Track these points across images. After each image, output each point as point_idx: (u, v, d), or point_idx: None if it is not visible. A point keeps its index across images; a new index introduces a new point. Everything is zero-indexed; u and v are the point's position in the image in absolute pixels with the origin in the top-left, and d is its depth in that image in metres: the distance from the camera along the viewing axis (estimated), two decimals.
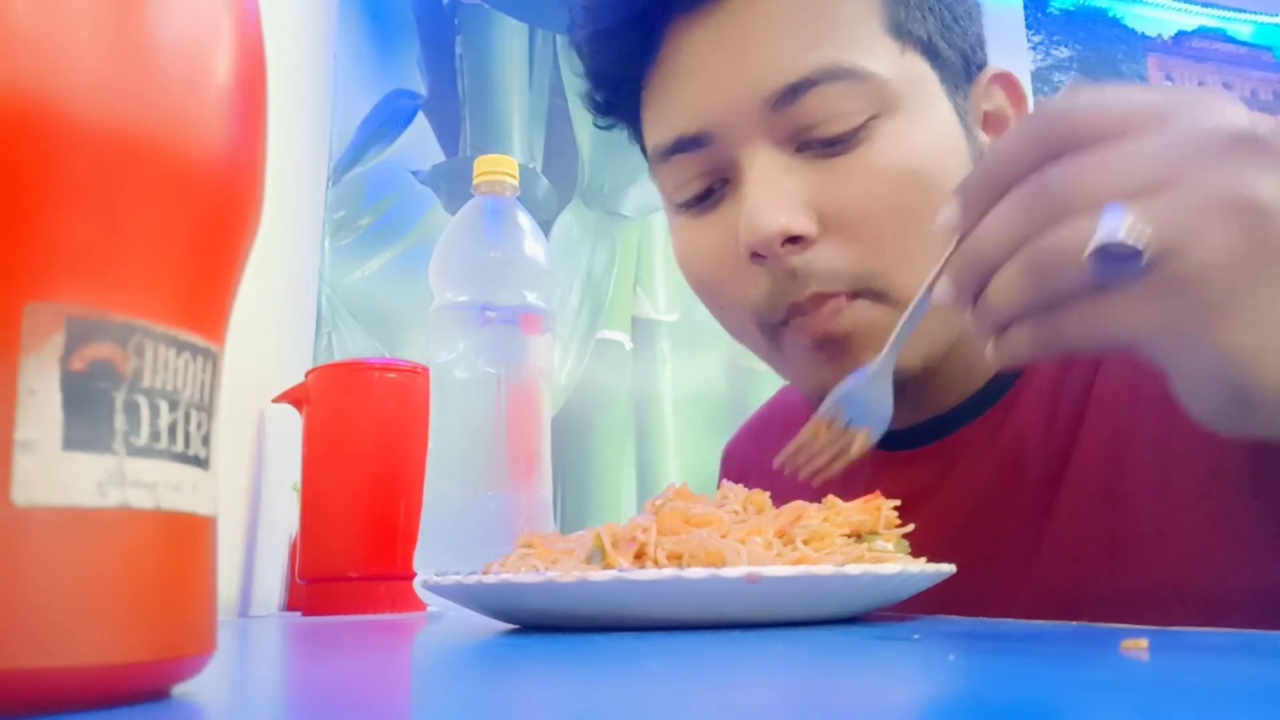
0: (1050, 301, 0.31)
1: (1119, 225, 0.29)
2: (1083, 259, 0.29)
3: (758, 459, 0.72)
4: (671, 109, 0.51)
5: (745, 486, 0.42)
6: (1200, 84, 2.39)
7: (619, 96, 0.56)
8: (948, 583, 0.45)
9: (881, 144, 0.48)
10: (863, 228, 0.47)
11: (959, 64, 0.52)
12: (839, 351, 0.49)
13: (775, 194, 0.47)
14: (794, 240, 0.47)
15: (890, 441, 0.56)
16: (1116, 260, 0.29)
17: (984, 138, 0.54)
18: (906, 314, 0.40)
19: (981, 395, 0.55)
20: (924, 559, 0.40)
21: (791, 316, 0.49)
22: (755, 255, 0.48)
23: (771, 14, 0.48)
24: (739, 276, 0.50)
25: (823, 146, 0.48)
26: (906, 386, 0.49)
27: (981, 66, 0.55)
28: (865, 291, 0.48)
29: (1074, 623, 0.36)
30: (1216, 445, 0.39)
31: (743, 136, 0.49)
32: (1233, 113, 0.30)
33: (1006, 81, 0.56)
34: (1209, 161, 0.29)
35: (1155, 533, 0.47)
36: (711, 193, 0.52)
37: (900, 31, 0.49)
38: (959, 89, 0.52)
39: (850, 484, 0.59)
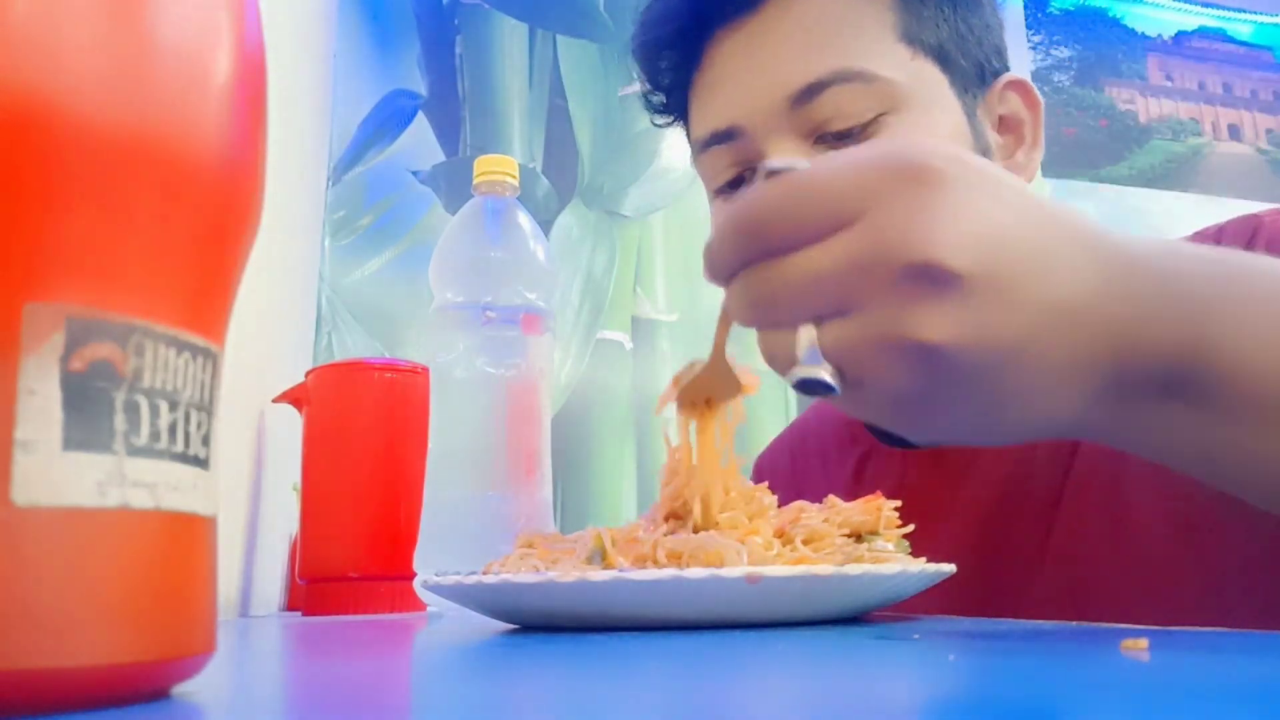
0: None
1: (812, 360, 0.30)
2: (790, 383, 0.30)
3: (788, 470, 0.74)
4: (709, 107, 0.58)
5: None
6: (1200, 84, 2.39)
7: (671, 98, 0.63)
8: (967, 579, 0.46)
9: (889, 136, 0.53)
10: None
11: (972, 70, 0.57)
12: None
13: None
14: None
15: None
16: (808, 385, 0.30)
17: (996, 138, 0.59)
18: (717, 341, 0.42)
19: None
20: (924, 558, 0.40)
21: None
22: None
23: (795, 26, 0.55)
24: None
25: (836, 139, 0.54)
26: None
27: (998, 74, 0.60)
28: None
29: (1074, 622, 0.36)
30: None
31: (768, 131, 0.55)
32: (923, 218, 0.29)
33: (1021, 88, 0.61)
34: (884, 292, 0.29)
35: (1155, 537, 0.50)
36: (743, 180, 0.58)
37: (912, 39, 0.55)
38: (970, 92, 0.57)
39: (881, 482, 0.61)
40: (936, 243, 0.28)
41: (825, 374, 0.30)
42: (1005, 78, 0.60)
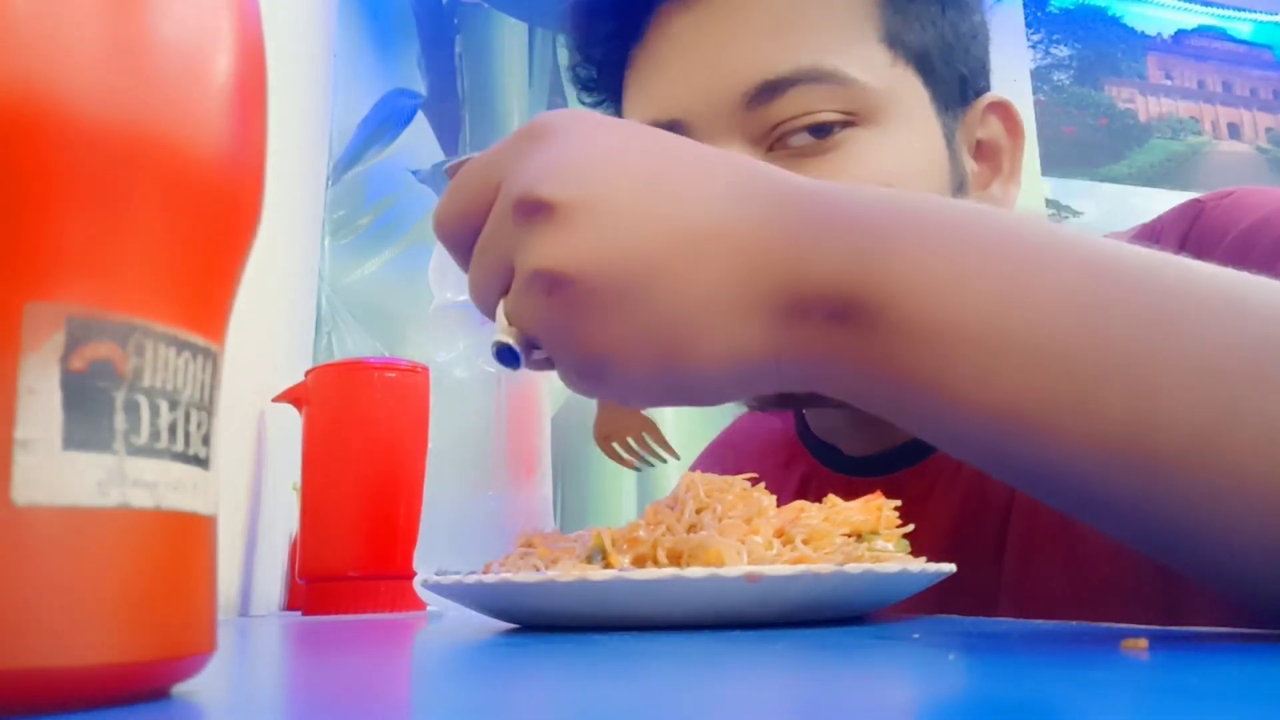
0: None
1: (498, 328, 0.32)
2: (493, 362, 0.31)
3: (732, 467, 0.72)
4: (649, 94, 0.51)
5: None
6: (1200, 83, 2.39)
7: (603, 73, 0.55)
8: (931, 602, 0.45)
9: (854, 153, 0.47)
10: None
11: (954, 85, 0.51)
12: None
13: None
14: None
15: (869, 466, 0.57)
16: (504, 356, 0.32)
17: (973, 165, 0.53)
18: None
19: None
20: (923, 558, 0.40)
21: None
22: None
23: (759, 9, 0.47)
24: None
25: (795, 147, 0.47)
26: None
27: (980, 92, 0.54)
28: None
29: (1074, 622, 0.36)
30: None
31: (715, 130, 0.48)
32: (521, 164, 0.31)
33: (1003, 111, 0.54)
34: (504, 236, 0.31)
35: (1106, 553, 0.47)
36: None
37: (894, 41, 0.48)
38: (950, 110, 0.51)
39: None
40: (531, 177, 0.30)
41: (508, 337, 0.31)
42: (987, 98, 0.54)
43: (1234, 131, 2.39)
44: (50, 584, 0.15)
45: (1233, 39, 2.46)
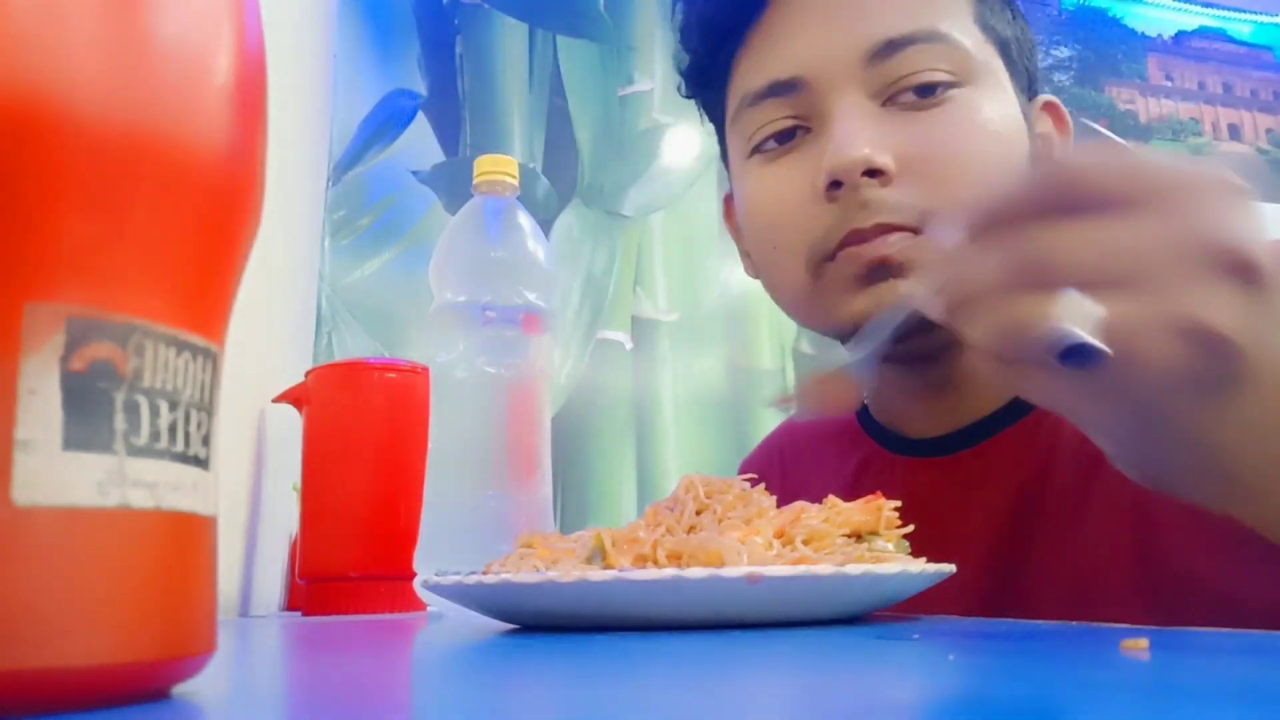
0: (1011, 359, 0.33)
1: (1084, 324, 0.30)
2: (1049, 347, 0.30)
3: (779, 474, 0.73)
4: (771, 56, 0.55)
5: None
6: (1200, 84, 2.39)
7: (718, 52, 0.60)
8: (980, 584, 0.47)
9: (960, 107, 0.52)
10: (935, 174, 0.51)
11: (1024, 76, 0.58)
12: (883, 278, 0.52)
13: (863, 130, 0.51)
14: (873, 174, 0.51)
15: (929, 448, 0.60)
16: (1075, 351, 0.30)
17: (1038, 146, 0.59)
18: (893, 311, 0.43)
19: (1017, 401, 0.57)
20: (924, 558, 0.40)
21: (846, 245, 0.52)
22: (833, 185, 0.52)
23: None
24: (805, 215, 0.54)
25: (907, 102, 0.52)
26: (945, 391, 0.53)
27: (1035, 87, 0.60)
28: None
29: (1074, 622, 0.36)
30: None
31: (836, 84, 0.53)
32: (1238, 219, 0.30)
33: (1055, 111, 0.61)
34: (1185, 274, 0.30)
35: (1181, 542, 0.49)
36: (791, 137, 0.55)
37: (984, 26, 0.55)
38: (1023, 94, 0.57)
39: (886, 488, 0.61)
40: (1250, 240, 0.29)
41: (1098, 340, 0.29)
42: (1042, 98, 0.60)
43: (1234, 132, 2.39)
44: (50, 584, 0.15)
45: (1233, 40, 2.46)
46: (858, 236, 0.52)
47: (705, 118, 0.66)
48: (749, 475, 0.43)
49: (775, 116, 0.56)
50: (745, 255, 0.66)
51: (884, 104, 0.53)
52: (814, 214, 0.53)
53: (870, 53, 0.52)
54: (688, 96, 0.65)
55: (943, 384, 0.57)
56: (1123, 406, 0.33)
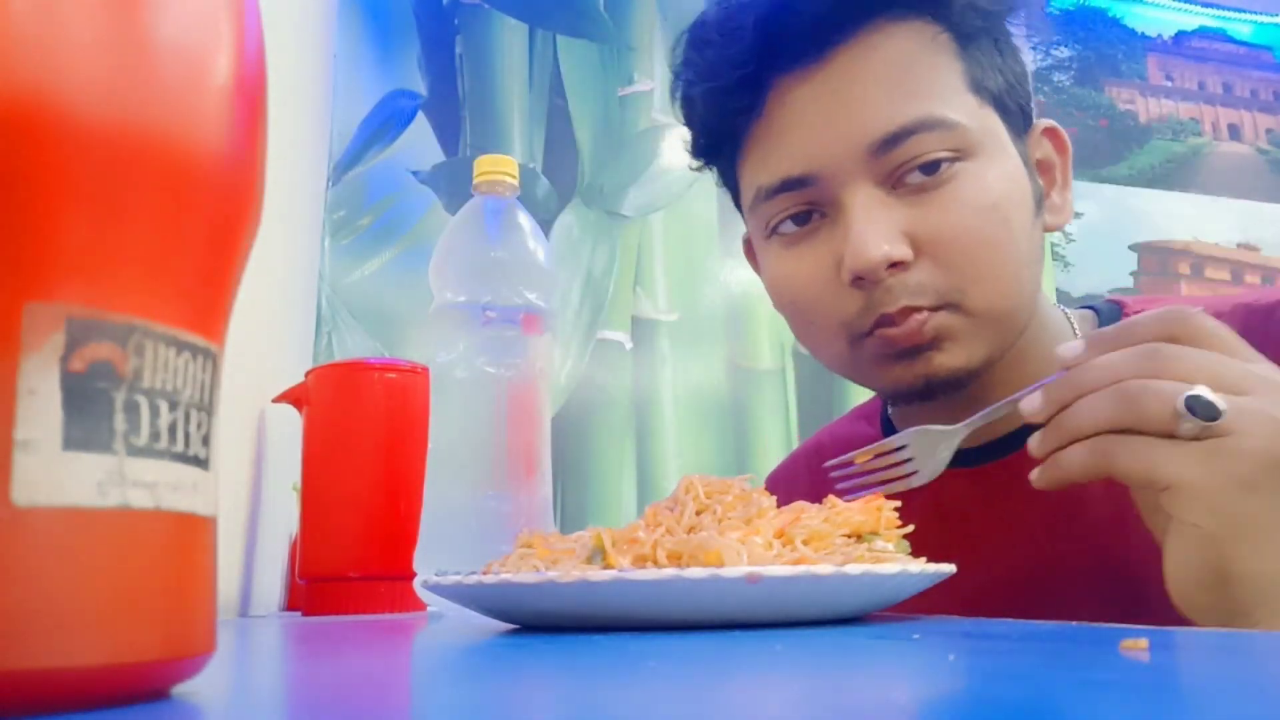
0: (1124, 425, 0.41)
1: (1208, 390, 0.40)
2: (1178, 403, 0.39)
3: (806, 484, 0.74)
4: (778, 154, 0.58)
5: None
6: (1200, 84, 2.39)
7: (722, 145, 0.63)
8: (1016, 593, 0.52)
9: (965, 182, 0.55)
10: (949, 251, 0.55)
11: (1019, 117, 0.60)
12: (917, 355, 0.56)
13: (878, 226, 0.54)
14: (894, 265, 0.54)
15: (966, 458, 0.61)
16: (1192, 412, 0.39)
17: (1040, 182, 0.61)
18: (990, 410, 0.50)
19: None
20: (922, 558, 0.40)
21: (878, 327, 0.56)
22: (857, 280, 0.55)
23: (870, 73, 0.55)
24: (833, 296, 0.57)
25: (915, 185, 0.55)
26: (970, 409, 0.56)
27: (1031, 122, 0.62)
28: (947, 305, 0.55)
29: (1075, 623, 0.36)
30: None
31: (845, 178, 0.55)
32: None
33: (1052, 133, 0.63)
34: (1271, 388, 0.41)
35: None
36: (808, 219, 0.58)
37: (978, 89, 0.57)
38: (1020, 138, 0.60)
39: (917, 500, 0.62)
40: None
41: (1219, 402, 0.40)
42: (1039, 124, 0.62)
43: (1234, 132, 2.39)
44: (50, 584, 0.15)
45: (1233, 40, 2.46)
46: (888, 319, 0.55)
47: (725, 189, 0.68)
48: (748, 476, 0.44)
49: (790, 205, 0.58)
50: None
51: (892, 188, 0.55)
52: (842, 296, 0.56)
53: (873, 147, 0.54)
54: (696, 170, 0.68)
55: (968, 402, 0.58)
56: (1210, 480, 0.40)
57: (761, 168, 0.59)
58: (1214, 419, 0.39)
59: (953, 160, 0.55)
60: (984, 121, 0.56)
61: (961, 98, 0.56)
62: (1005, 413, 0.49)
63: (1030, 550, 0.58)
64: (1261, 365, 0.42)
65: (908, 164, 0.55)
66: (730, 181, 0.66)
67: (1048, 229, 0.61)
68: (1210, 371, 0.41)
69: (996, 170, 0.56)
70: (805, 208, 0.58)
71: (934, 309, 0.55)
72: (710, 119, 0.62)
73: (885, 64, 0.55)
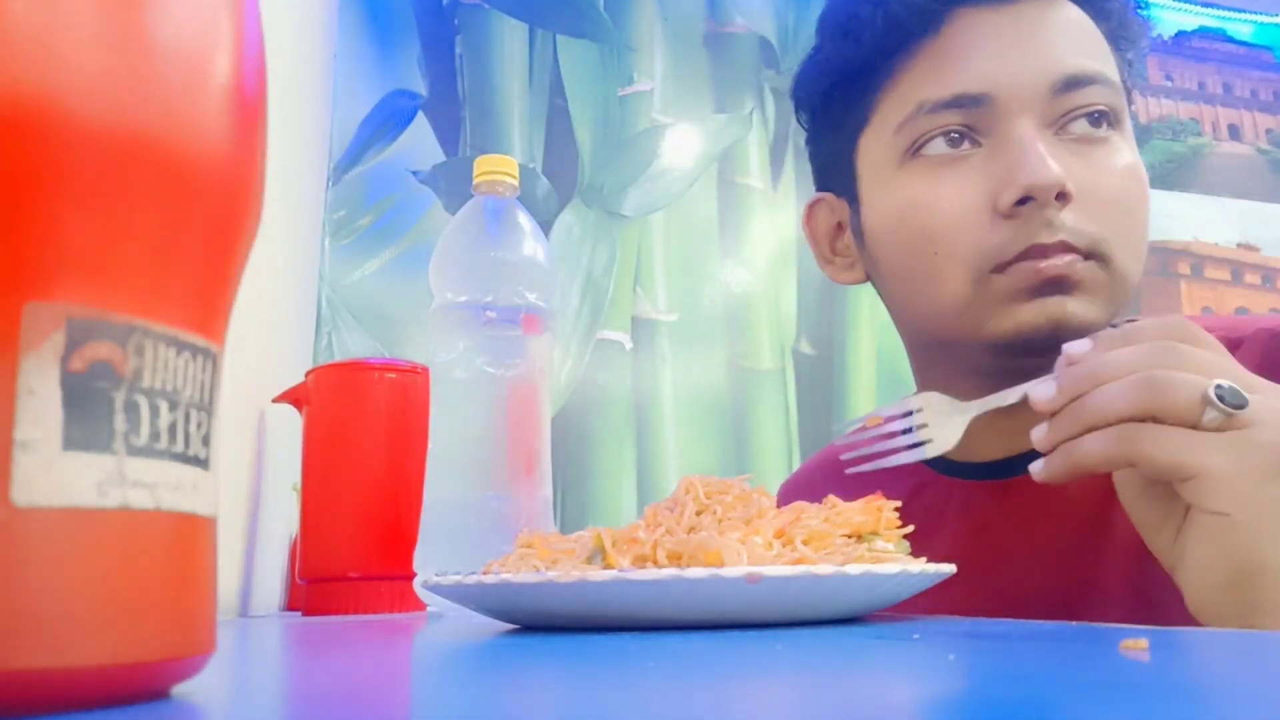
0: (1148, 414, 0.41)
1: (1231, 382, 0.41)
2: (1208, 391, 0.40)
3: (822, 490, 0.73)
4: (956, 70, 0.58)
5: None
6: (1200, 84, 2.39)
7: (875, 64, 0.61)
8: (1047, 603, 0.53)
9: (1116, 146, 0.58)
10: (1103, 204, 0.56)
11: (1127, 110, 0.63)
12: (1053, 293, 0.56)
13: (1052, 154, 0.55)
14: (1061, 196, 0.55)
15: (983, 472, 0.62)
16: (1217, 402, 0.40)
17: None
18: (1001, 394, 0.50)
19: None
20: (922, 558, 0.40)
21: (1025, 258, 0.55)
22: (1022, 201, 0.55)
23: (1059, 21, 0.58)
24: (980, 223, 0.57)
25: (1078, 135, 0.57)
26: (997, 421, 0.56)
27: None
28: (1095, 254, 0.56)
29: (1075, 622, 0.36)
30: None
31: (1020, 107, 0.56)
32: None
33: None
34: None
35: None
36: (959, 144, 0.58)
37: (1124, 79, 0.61)
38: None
39: (945, 512, 0.61)
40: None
41: (1242, 394, 0.40)
42: None
43: (1234, 133, 2.39)
44: (50, 584, 0.15)
45: (1233, 40, 2.46)
46: (1040, 251, 0.55)
47: (803, 118, 0.68)
48: (746, 476, 0.44)
49: (941, 124, 0.58)
50: (850, 265, 0.68)
51: (1057, 134, 0.57)
52: (988, 225, 0.56)
53: (1057, 84, 0.56)
54: (805, 96, 0.67)
55: (994, 415, 0.58)
56: (1234, 467, 0.40)
57: (932, 82, 0.59)
58: (1241, 407, 0.40)
59: (1111, 122, 0.57)
60: (1125, 106, 0.60)
61: (1117, 75, 0.59)
62: (1017, 398, 0.49)
63: (1060, 565, 0.58)
64: (1254, 378, 0.43)
65: (1078, 110, 0.57)
66: (852, 115, 0.64)
67: None
68: (1223, 368, 0.42)
69: (1131, 145, 0.59)
70: (962, 130, 0.58)
71: (1084, 256, 0.56)
72: (896, 18, 0.60)
73: (1068, 20, 0.58)
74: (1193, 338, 0.44)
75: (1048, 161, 0.54)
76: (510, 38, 1.88)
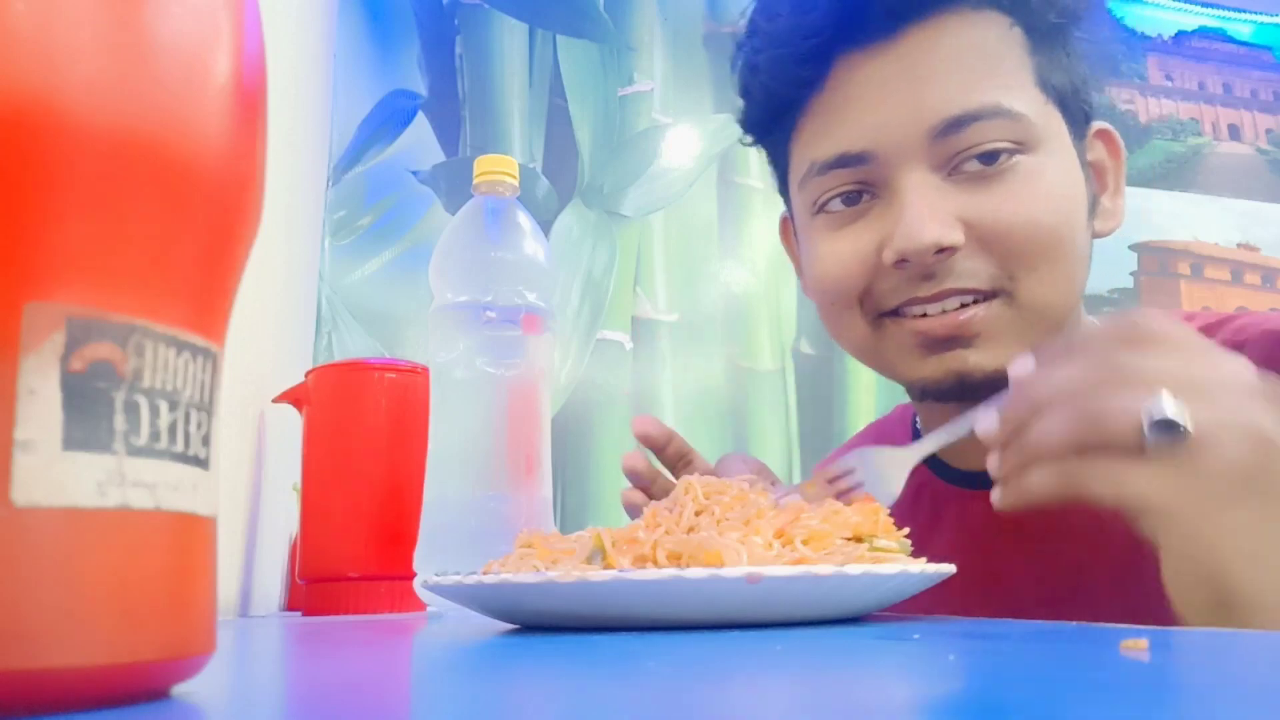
0: (1088, 446, 0.39)
1: (1173, 403, 0.38)
2: (1143, 423, 0.38)
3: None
4: (838, 128, 0.57)
5: None
6: (1200, 84, 2.39)
7: (779, 118, 0.62)
8: (1037, 612, 0.52)
9: (1023, 174, 0.55)
10: (1004, 239, 0.54)
11: (1081, 118, 0.59)
12: (951, 348, 0.55)
13: (932, 209, 0.54)
14: (942, 251, 0.54)
15: (980, 480, 0.61)
16: (1157, 431, 0.38)
17: (1094, 184, 0.61)
18: (946, 431, 0.49)
19: None
20: (923, 559, 0.40)
21: (906, 307, 0.55)
22: (900, 262, 0.54)
23: (940, 56, 0.55)
24: (865, 273, 0.57)
25: (972, 173, 0.55)
26: None
27: (1090, 122, 0.61)
28: (998, 292, 0.54)
29: (1074, 622, 0.36)
30: None
31: (903, 158, 0.55)
32: (1252, 372, 0.40)
33: (1106, 136, 0.63)
34: (1239, 391, 0.39)
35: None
36: (858, 200, 0.58)
37: (1044, 85, 0.56)
38: (1079, 140, 0.59)
39: (942, 517, 0.61)
40: (1267, 381, 0.39)
41: (1185, 419, 0.38)
42: (1095, 126, 0.61)
43: (1234, 133, 2.39)
44: (50, 584, 0.15)
45: (1233, 40, 2.46)
46: (916, 303, 0.55)
47: (771, 167, 0.68)
48: (746, 477, 0.44)
49: (843, 183, 0.58)
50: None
51: (948, 174, 0.55)
52: (874, 274, 0.56)
53: (935, 130, 0.54)
54: (748, 145, 0.67)
55: None
56: (1183, 494, 0.39)
57: (818, 141, 0.59)
58: (1182, 433, 0.37)
59: (1013, 152, 0.54)
60: (1048, 118, 0.56)
61: (1028, 91, 0.55)
62: (963, 432, 0.48)
63: (1052, 575, 0.58)
64: (1226, 364, 0.40)
65: (967, 151, 0.54)
66: (779, 159, 0.65)
67: (1097, 235, 0.60)
68: (1172, 379, 0.39)
69: (1055, 165, 0.55)
70: (856, 187, 0.57)
71: (983, 298, 0.54)
72: (772, 88, 0.61)
73: (955, 49, 0.55)
74: (1140, 339, 0.41)
75: (923, 224, 0.53)
76: (510, 38, 1.88)
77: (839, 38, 0.57)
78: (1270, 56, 2.47)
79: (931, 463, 0.66)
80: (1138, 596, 0.54)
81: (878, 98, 0.56)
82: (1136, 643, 0.24)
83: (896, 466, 0.50)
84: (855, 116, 0.56)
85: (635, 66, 1.94)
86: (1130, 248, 2.22)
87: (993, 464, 0.44)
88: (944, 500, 0.64)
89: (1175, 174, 2.30)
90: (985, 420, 0.44)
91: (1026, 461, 0.41)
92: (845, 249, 0.57)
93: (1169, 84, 2.36)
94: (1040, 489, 0.41)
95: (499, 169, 0.63)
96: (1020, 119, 0.54)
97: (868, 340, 0.58)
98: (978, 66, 0.55)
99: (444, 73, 1.82)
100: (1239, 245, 2.29)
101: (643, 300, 1.84)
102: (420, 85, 1.80)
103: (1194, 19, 2.43)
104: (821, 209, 0.59)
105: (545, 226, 1.77)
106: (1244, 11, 2.47)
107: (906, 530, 0.42)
